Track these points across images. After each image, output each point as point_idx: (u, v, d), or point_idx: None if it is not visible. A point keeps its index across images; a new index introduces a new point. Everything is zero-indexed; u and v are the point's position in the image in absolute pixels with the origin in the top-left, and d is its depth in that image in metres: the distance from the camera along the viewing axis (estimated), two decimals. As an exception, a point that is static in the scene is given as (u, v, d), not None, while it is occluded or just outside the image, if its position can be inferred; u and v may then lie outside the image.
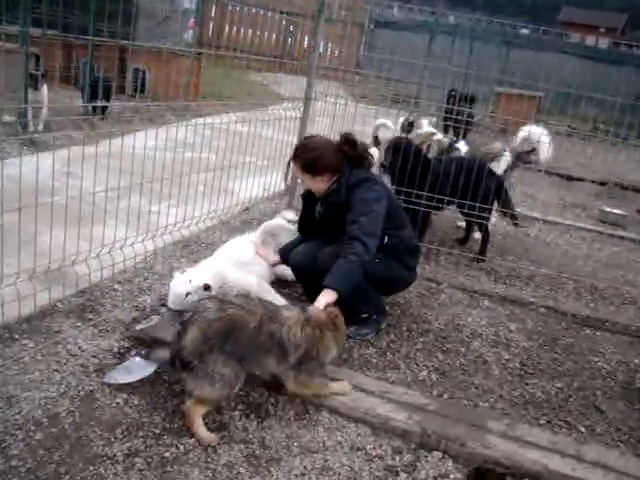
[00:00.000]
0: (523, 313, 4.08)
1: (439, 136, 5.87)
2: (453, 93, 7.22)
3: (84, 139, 4.01)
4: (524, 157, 5.40)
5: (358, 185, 3.19)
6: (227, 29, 11.59)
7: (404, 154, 4.41)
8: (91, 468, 2.27)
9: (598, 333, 3.97)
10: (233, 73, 10.19)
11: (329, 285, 2.95)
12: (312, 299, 3.55)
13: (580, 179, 8.22)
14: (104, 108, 7.39)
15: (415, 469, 2.54)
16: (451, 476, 2.54)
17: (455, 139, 6.08)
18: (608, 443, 2.85)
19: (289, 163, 3.39)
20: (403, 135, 5.70)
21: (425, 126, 6.24)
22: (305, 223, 3.60)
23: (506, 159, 5.36)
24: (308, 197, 3.46)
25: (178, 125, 4.21)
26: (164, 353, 2.69)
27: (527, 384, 3.25)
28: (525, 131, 5.35)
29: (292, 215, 4.60)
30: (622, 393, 3.30)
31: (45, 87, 6.53)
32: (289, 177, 3.53)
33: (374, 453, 2.59)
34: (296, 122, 5.32)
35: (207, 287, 3.19)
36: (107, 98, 7.47)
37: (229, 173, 4.37)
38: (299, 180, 3.38)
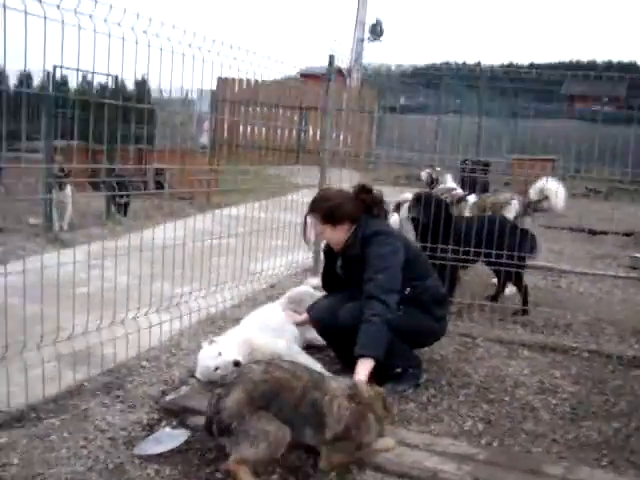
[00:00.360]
0: (566, 360, 3.88)
1: (459, 191, 5.94)
2: (467, 162, 7.35)
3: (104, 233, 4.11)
4: (536, 205, 5.37)
5: (373, 238, 3.17)
6: (242, 129, 12.10)
7: (429, 207, 4.42)
8: None
9: (649, 373, 3.75)
10: (250, 169, 10.51)
11: (362, 354, 2.88)
12: (344, 361, 3.48)
13: (604, 232, 8.10)
14: (126, 206, 7.61)
15: (471, 523, 2.33)
16: (511, 529, 2.32)
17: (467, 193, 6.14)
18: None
19: (306, 219, 3.38)
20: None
21: (449, 181, 6.31)
22: (328, 279, 3.56)
23: (514, 207, 5.37)
24: (329, 252, 3.44)
25: (197, 216, 4.36)
26: (197, 420, 2.58)
27: (581, 427, 3.03)
28: (540, 182, 5.34)
29: (317, 281, 4.56)
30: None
31: (69, 187, 6.77)
32: (309, 234, 3.50)
33: (425, 509, 2.39)
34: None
35: (237, 363, 3.11)
36: (127, 195, 7.70)
37: (253, 255, 4.44)
38: (319, 238, 3.36)
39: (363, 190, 3.31)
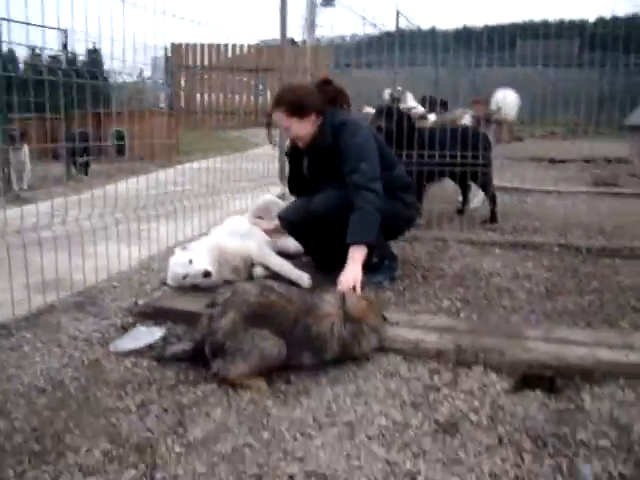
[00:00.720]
0: (537, 254, 3.93)
1: (420, 109, 6.00)
2: (426, 98, 7.42)
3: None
4: (489, 117, 5.50)
5: (343, 128, 3.10)
6: (199, 96, 11.87)
7: (391, 117, 4.39)
8: (103, 420, 2.05)
9: (617, 260, 3.82)
10: (210, 134, 10.36)
11: (356, 241, 2.85)
12: (317, 263, 3.45)
13: (563, 161, 8.25)
14: (86, 165, 7.40)
15: (457, 384, 2.32)
16: (497, 386, 2.32)
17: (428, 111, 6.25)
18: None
19: (268, 122, 3.30)
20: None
21: (409, 99, 6.36)
22: (295, 182, 3.49)
23: (467, 120, 5.59)
24: (294, 154, 3.38)
25: (160, 171, 4.30)
26: (182, 345, 2.50)
27: (557, 301, 3.07)
28: (498, 92, 5.45)
29: (279, 190, 4.55)
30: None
31: (25, 147, 6.54)
32: (272, 137, 3.44)
33: (410, 376, 2.37)
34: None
35: (207, 274, 3.05)
36: (87, 154, 7.50)
37: (218, 199, 4.38)
38: (286, 134, 3.28)
39: (325, 82, 3.26)
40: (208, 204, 4.47)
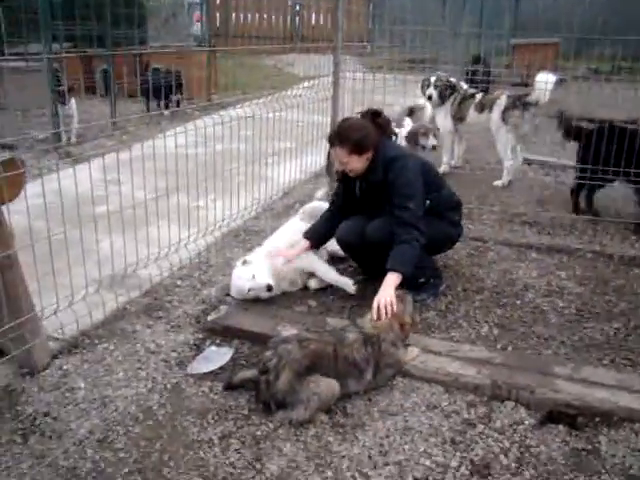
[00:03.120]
0: (571, 260, 4.16)
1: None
2: (468, 73, 7.40)
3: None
4: (523, 99, 5.61)
5: (394, 163, 3.30)
6: (234, 17, 11.62)
7: None
8: (191, 453, 2.44)
9: (648, 271, 4.03)
10: (246, 60, 10.28)
11: (394, 268, 3.12)
12: (366, 272, 3.74)
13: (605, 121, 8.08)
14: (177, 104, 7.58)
15: (490, 420, 2.67)
16: (525, 422, 2.66)
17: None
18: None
19: (329, 152, 3.47)
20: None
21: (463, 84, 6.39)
22: (345, 202, 3.66)
23: (503, 101, 5.69)
24: (344, 177, 3.55)
25: (205, 120, 4.24)
26: (249, 373, 2.81)
27: (585, 328, 3.34)
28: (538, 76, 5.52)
29: (322, 193, 4.74)
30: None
31: (73, 101, 6.71)
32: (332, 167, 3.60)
33: (450, 409, 2.72)
34: (319, 103, 5.38)
35: (269, 288, 3.36)
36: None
37: (263, 161, 4.48)
38: (341, 167, 3.42)
39: (375, 114, 3.41)
40: (255, 175, 4.55)
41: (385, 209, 3.35)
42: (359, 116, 3.51)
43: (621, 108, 8.11)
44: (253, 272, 3.36)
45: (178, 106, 8.16)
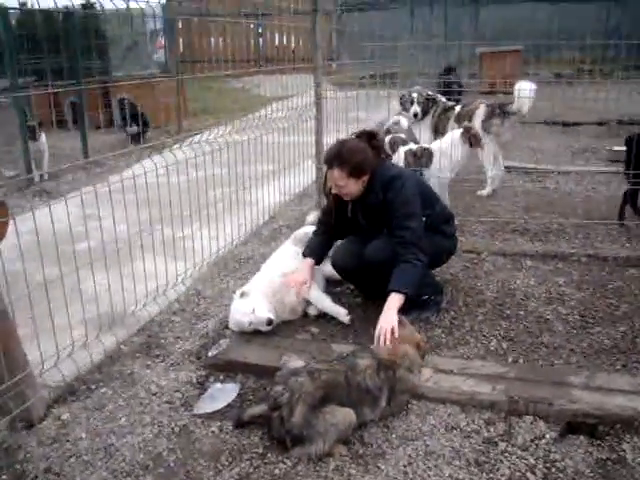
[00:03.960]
0: (566, 266, 4.14)
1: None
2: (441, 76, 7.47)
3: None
4: (503, 108, 5.67)
5: (392, 183, 3.25)
6: (197, 43, 11.57)
7: None
8: (209, 500, 2.32)
9: (643, 270, 4.05)
10: (212, 84, 10.19)
11: (398, 290, 3.05)
12: (365, 294, 3.66)
13: (577, 123, 8.26)
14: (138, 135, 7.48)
15: (511, 436, 2.59)
16: (546, 436, 2.59)
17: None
18: (688, 375, 2.91)
19: (327, 174, 3.37)
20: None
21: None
22: (335, 222, 3.55)
23: (482, 111, 5.73)
24: (337, 200, 3.45)
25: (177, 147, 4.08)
26: (258, 408, 2.69)
27: (592, 333, 3.30)
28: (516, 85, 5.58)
29: (313, 217, 4.65)
30: (685, 324, 3.36)
31: (43, 135, 6.54)
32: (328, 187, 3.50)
33: (469, 429, 2.64)
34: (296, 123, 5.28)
35: (270, 322, 3.26)
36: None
37: (245, 185, 4.38)
38: (337, 190, 3.34)
39: (371, 136, 3.35)
40: (239, 199, 4.43)
41: (381, 230, 3.30)
42: (354, 137, 3.43)
43: (589, 110, 8.31)
44: (253, 305, 3.25)
45: (138, 137, 7.96)
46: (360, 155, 3.20)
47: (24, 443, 2.61)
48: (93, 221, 3.27)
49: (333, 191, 3.36)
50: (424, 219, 3.33)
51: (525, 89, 5.42)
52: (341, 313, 3.47)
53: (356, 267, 3.45)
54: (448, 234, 3.60)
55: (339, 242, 3.67)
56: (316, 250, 3.56)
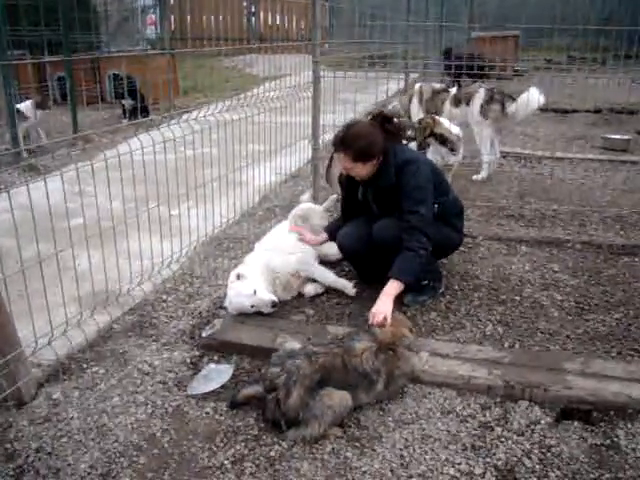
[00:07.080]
0: (561, 252, 4.14)
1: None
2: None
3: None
4: (499, 97, 5.66)
5: (407, 166, 3.18)
6: (189, 19, 11.38)
7: None
8: (204, 481, 2.28)
9: (636, 259, 4.05)
10: (205, 62, 10.02)
11: (398, 277, 3.00)
12: (362, 277, 3.63)
13: (574, 111, 8.25)
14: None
15: (507, 421, 2.59)
16: (542, 421, 2.59)
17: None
18: (682, 363, 2.92)
19: (332, 156, 3.33)
20: None
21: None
22: (348, 207, 3.57)
23: (481, 95, 5.71)
24: (347, 181, 3.44)
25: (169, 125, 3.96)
26: (252, 389, 2.66)
27: (587, 320, 3.30)
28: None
29: (307, 196, 4.62)
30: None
31: (29, 102, 6.40)
32: (334, 171, 3.46)
33: (465, 413, 2.63)
34: (290, 103, 5.20)
35: (275, 304, 3.23)
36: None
37: (236, 164, 4.30)
38: (346, 172, 3.29)
39: (385, 119, 3.27)
40: (229, 179, 4.36)
41: (391, 214, 3.25)
42: (368, 120, 3.36)
43: (583, 97, 8.30)
44: (254, 287, 3.20)
45: (134, 112, 7.86)
46: (364, 140, 3.12)
47: (15, 422, 2.56)
48: (82, 198, 3.19)
49: (343, 172, 3.32)
50: (436, 207, 3.28)
51: (534, 99, 5.35)
52: (347, 286, 3.48)
53: (364, 249, 3.42)
54: (458, 228, 3.57)
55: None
56: (331, 228, 3.63)
